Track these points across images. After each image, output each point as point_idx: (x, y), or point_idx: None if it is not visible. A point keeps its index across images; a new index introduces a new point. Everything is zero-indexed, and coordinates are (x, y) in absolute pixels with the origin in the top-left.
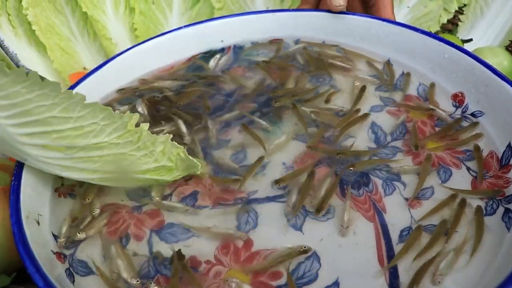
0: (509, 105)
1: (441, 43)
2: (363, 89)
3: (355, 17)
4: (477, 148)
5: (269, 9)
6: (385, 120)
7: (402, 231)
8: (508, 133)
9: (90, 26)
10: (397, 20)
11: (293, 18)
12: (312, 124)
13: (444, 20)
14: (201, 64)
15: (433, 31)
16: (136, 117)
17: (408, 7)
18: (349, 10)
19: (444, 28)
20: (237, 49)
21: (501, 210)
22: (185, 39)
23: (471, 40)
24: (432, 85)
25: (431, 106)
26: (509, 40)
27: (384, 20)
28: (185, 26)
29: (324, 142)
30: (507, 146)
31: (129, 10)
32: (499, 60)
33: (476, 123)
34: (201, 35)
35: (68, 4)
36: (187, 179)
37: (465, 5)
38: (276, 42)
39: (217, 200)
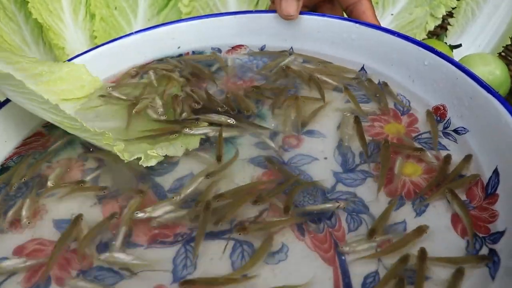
0: (496, 123)
1: (420, 49)
2: (357, 121)
3: (325, 18)
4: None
5: None
6: (356, 139)
7: (366, 278)
8: (495, 156)
9: (45, 34)
10: None
11: (256, 21)
12: None
13: (431, 27)
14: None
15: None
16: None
17: (392, 14)
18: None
19: (432, 34)
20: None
21: (484, 251)
22: (137, 46)
23: (460, 46)
24: (430, 113)
25: (419, 147)
26: (503, 46)
27: (356, 22)
28: (135, 32)
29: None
30: (493, 172)
31: (90, 17)
32: (490, 69)
33: (469, 157)
34: (155, 41)
35: (20, 11)
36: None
37: (453, 8)
38: (238, 48)
39: (155, 237)
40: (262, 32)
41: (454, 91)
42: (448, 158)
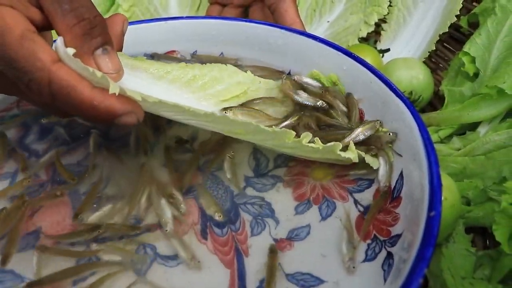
0: (403, 127)
1: (339, 53)
2: None
3: (251, 24)
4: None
5: None
6: None
7: (261, 282)
8: (401, 160)
9: None
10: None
11: (187, 27)
12: None
13: (364, 33)
14: None
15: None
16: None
17: (328, 21)
18: (250, 16)
19: (366, 39)
20: None
21: (383, 254)
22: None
23: (388, 50)
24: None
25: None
26: (429, 52)
27: (281, 27)
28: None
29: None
30: (399, 175)
31: None
32: (414, 73)
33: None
34: None
35: None
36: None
37: (386, 15)
38: (170, 54)
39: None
40: (193, 37)
41: (369, 95)
42: None
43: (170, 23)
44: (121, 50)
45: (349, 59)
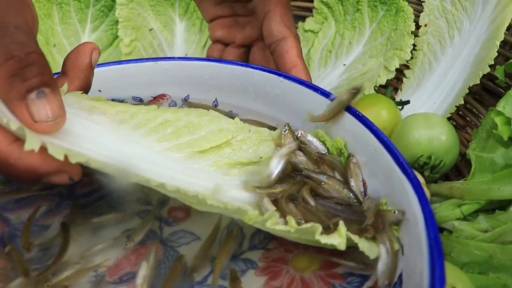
0: (407, 212)
1: (342, 110)
2: None
3: (247, 69)
4: None
5: (188, 56)
6: None
7: None
8: (402, 258)
9: None
10: (330, 81)
11: (179, 69)
12: None
13: (383, 80)
14: None
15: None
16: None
17: (344, 65)
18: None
19: (385, 87)
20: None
21: None
22: None
23: (408, 102)
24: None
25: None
26: (456, 106)
27: (280, 74)
28: (54, 74)
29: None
30: (398, 278)
31: None
32: (435, 133)
33: None
34: None
35: None
36: None
37: (408, 60)
38: (161, 98)
39: None
40: (185, 81)
41: (372, 164)
42: None
43: (160, 64)
44: (89, 86)
45: (353, 118)
